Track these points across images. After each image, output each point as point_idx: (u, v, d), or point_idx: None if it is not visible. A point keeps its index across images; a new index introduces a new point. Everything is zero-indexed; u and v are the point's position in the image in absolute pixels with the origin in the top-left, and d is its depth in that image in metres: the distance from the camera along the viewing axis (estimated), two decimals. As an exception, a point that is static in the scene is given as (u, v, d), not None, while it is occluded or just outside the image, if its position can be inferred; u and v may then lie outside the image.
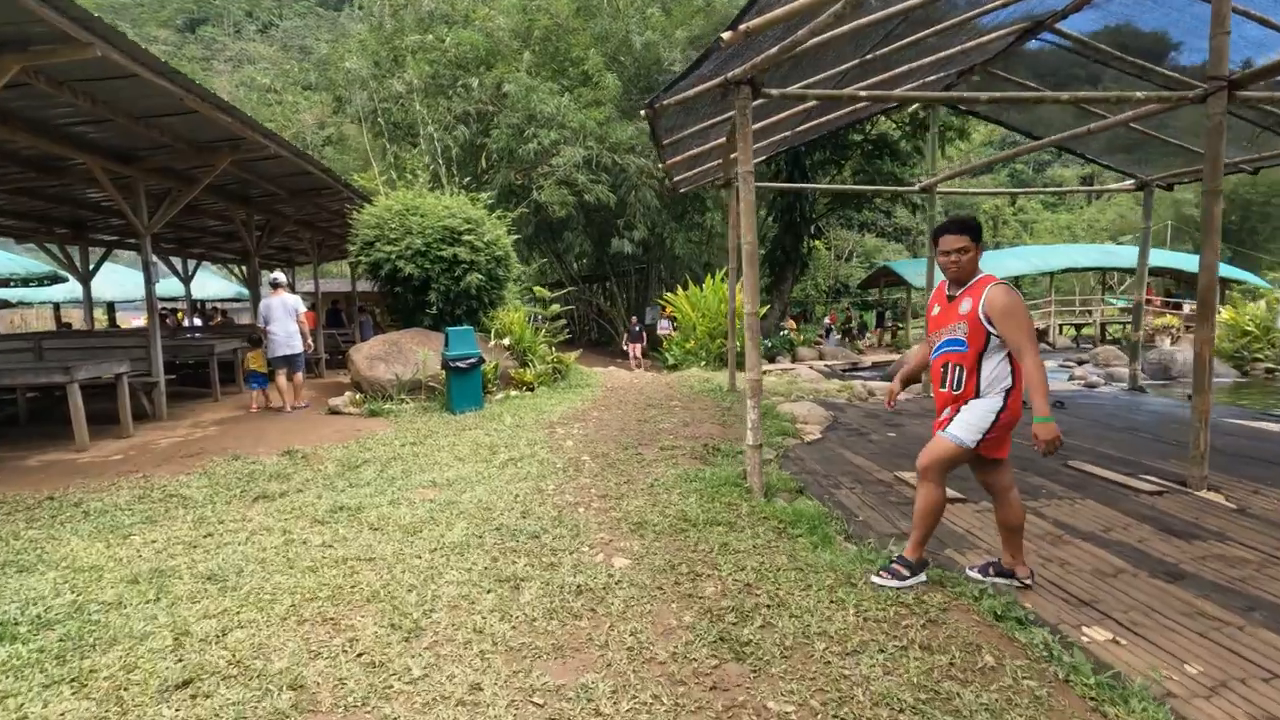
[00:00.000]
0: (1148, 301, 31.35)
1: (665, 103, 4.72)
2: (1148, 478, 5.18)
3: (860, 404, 9.34)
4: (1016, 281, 30.69)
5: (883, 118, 24.44)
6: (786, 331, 21.03)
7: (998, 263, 28.25)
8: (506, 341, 9.74)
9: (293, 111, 27.81)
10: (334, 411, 8.40)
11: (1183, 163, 9.66)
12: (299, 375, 9.45)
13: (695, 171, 8.16)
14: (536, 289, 10.34)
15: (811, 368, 17.30)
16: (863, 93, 4.96)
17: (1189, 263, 30.43)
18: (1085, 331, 31.36)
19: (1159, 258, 31.06)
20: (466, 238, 9.71)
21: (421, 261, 9.45)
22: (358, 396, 8.65)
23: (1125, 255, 30.72)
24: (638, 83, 18.95)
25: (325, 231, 14.88)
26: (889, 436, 7.04)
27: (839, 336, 24.76)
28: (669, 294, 14.44)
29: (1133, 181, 9.74)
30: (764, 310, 15.09)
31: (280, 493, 4.83)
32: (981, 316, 2.93)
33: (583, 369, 10.72)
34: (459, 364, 7.92)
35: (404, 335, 9.54)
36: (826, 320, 26.50)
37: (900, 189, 9.33)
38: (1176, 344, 21.89)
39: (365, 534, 3.90)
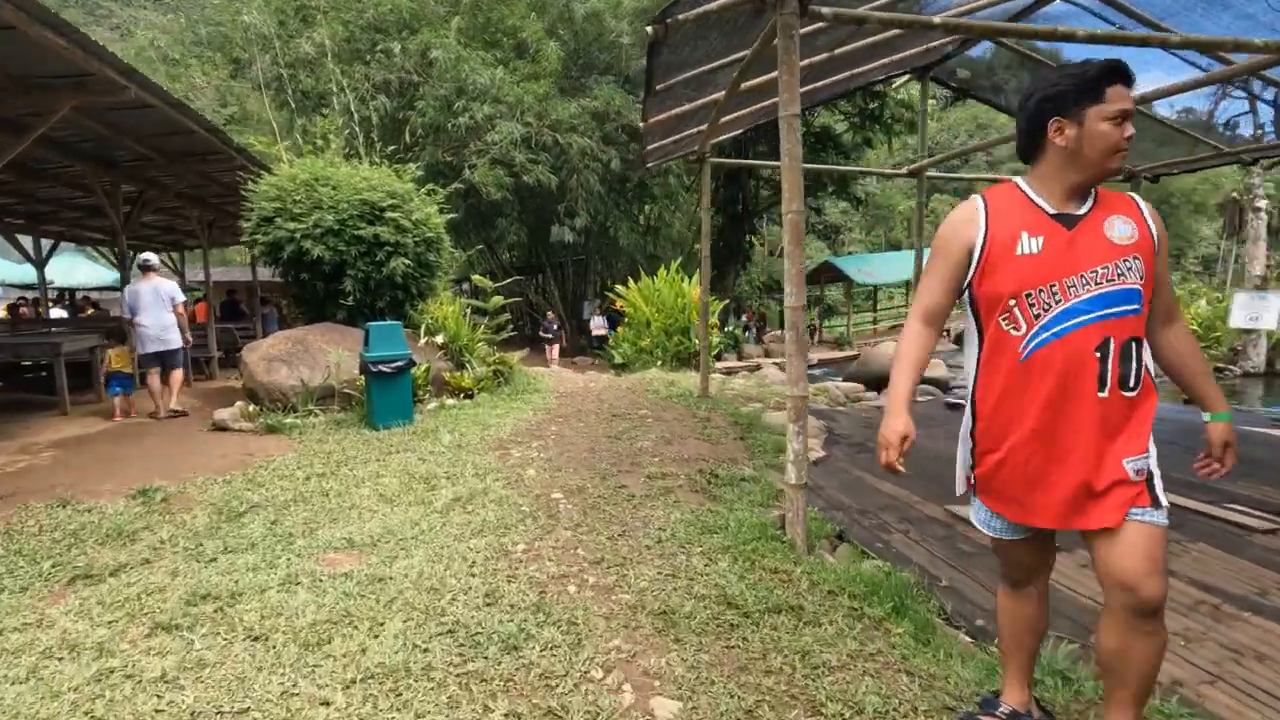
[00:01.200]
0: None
1: (681, 17, 3.47)
2: (1237, 507, 4.34)
3: (844, 410, 8.37)
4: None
5: (823, 110, 23.98)
6: (731, 328, 20.19)
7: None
8: (440, 340, 8.22)
9: (189, 88, 24.62)
10: (219, 427, 6.68)
11: (1171, 153, 9.21)
12: (177, 373, 7.79)
13: (674, 139, 6.93)
14: (476, 278, 8.85)
15: (761, 366, 16.44)
16: (939, 19, 3.87)
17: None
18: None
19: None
20: (390, 215, 8.11)
21: (334, 242, 7.80)
22: (251, 408, 6.95)
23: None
24: (577, 59, 17.54)
25: (217, 210, 12.73)
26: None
27: (752, 333, 24.28)
28: (620, 287, 13.17)
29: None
30: (719, 305, 14.04)
31: (114, 567, 3.27)
32: (1156, 243, 1.75)
33: (528, 371, 9.31)
34: (383, 368, 6.39)
35: (312, 331, 7.86)
36: (744, 317, 25.91)
37: (889, 172, 8.52)
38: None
39: (238, 651, 2.47)
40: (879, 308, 30.46)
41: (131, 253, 16.78)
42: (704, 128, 6.54)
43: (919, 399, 8.75)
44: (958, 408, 8.26)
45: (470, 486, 4.49)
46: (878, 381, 12.21)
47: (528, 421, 6.78)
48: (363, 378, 7.02)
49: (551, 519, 3.88)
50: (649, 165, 8.58)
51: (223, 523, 3.91)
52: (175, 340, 7.68)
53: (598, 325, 17.77)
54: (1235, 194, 52.38)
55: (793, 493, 3.47)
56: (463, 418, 6.88)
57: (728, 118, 6.60)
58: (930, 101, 20.86)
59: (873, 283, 25.32)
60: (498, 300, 8.57)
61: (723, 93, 5.34)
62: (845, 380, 13.16)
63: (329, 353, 7.44)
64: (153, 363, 7.58)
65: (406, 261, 8.18)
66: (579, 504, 4.17)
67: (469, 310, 8.86)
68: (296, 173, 8.16)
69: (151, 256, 8.12)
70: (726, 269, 23.44)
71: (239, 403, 7.31)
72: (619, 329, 14.79)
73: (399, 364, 6.49)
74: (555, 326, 17.32)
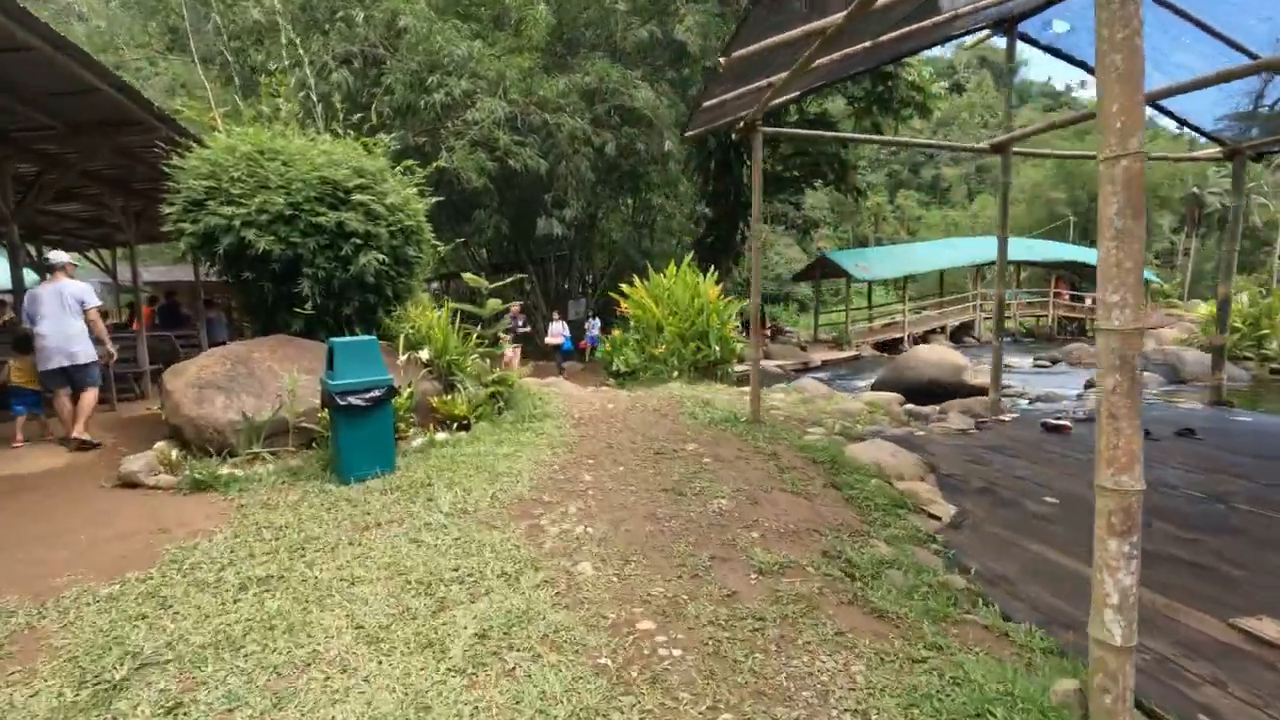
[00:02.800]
0: (1056, 295, 32.05)
1: None
2: None
3: (923, 434, 6.92)
4: (942, 275, 30.24)
5: (814, 98, 22.65)
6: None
7: (933, 254, 27.53)
8: (425, 355, 6.52)
9: (118, 63, 22.11)
10: (127, 483, 4.91)
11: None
12: (88, 394, 6.19)
13: (737, 95, 5.32)
14: (468, 276, 7.15)
15: (782, 369, 15.04)
16: None
17: (1090, 256, 31.17)
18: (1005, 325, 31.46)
19: (1060, 251, 31.69)
20: (359, 198, 6.38)
21: (285, 232, 6.04)
22: (175, 453, 5.18)
23: (1041, 249, 31.03)
24: (562, 34, 15.85)
25: (145, 197, 10.74)
26: (1051, 504, 4.60)
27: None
28: (625, 285, 11.54)
29: (1220, 150, 7.92)
30: (737, 304, 12.48)
31: None
32: None
33: (530, 388, 7.65)
34: (354, 399, 4.70)
35: (258, 348, 6.11)
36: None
37: (970, 146, 7.17)
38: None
39: None
40: (871, 304, 29.35)
41: (48, 249, 14.62)
42: (780, 77, 4.96)
43: (1002, 417, 7.35)
44: (1059, 430, 6.86)
45: (500, 604, 2.87)
46: (918, 390, 10.86)
47: (549, 465, 5.15)
48: (326, 411, 5.32)
49: (659, 688, 2.29)
50: (692, 132, 6.97)
51: (77, 715, 2.22)
52: (84, 353, 6.12)
53: (555, 332, 15.07)
54: (1196, 189, 53.08)
55: (1113, 659, 1.95)
56: (461, 461, 5.22)
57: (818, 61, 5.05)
58: (939, 85, 19.71)
59: (870, 278, 24.15)
60: (494, 305, 6.90)
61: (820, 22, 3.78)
62: (876, 389, 11.78)
63: (281, 376, 5.71)
64: (58, 381, 6.08)
65: (380, 256, 6.46)
66: (687, 645, 2.59)
67: (457, 316, 7.17)
68: (236, 144, 6.37)
69: (61, 255, 6.48)
70: (719, 264, 21.96)
71: (159, 444, 5.53)
72: (613, 333, 13.15)
73: (376, 393, 4.80)
74: (521, 325, 15.34)
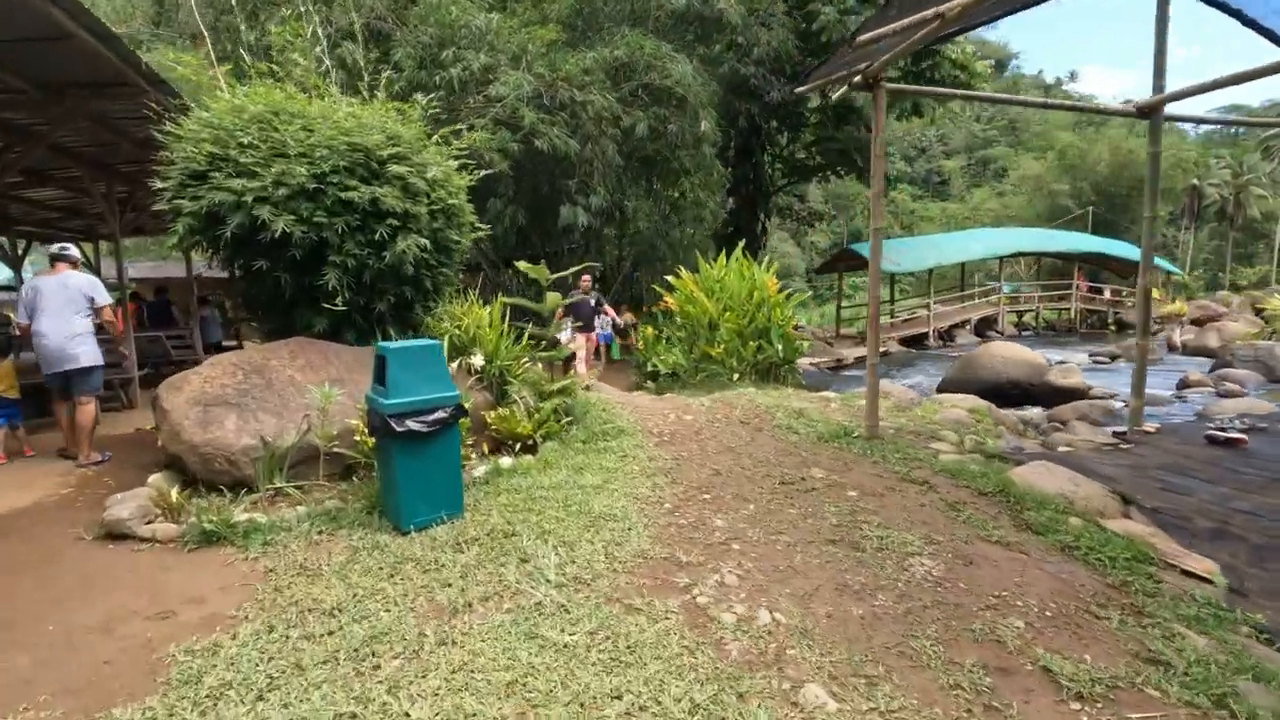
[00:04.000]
0: (1076, 286, 31.15)
1: None
2: None
3: (1071, 448, 5.84)
4: (964, 267, 29.28)
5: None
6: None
7: (960, 245, 26.54)
8: (478, 361, 5.37)
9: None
10: (115, 534, 3.75)
11: None
12: (89, 408, 5.37)
13: (907, 24, 4.18)
14: (523, 265, 5.98)
15: (816, 366, 14.02)
16: None
17: (1115, 248, 30.29)
18: (1025, 319, 30.52)
19: (1083, 242, 30.76)
20: (397, 169, 5.22)
21: (309, 210, 4.87)
22: (175, 491, 4.01)
23: (1062, 239, 30.14)
24: (580, 10, 14.66)
25: (132, 181, 9.52)
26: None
27: None
28: (671, 277, 10.39)
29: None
30: (800, 297, 11.33)
31: None
32: None
33: (588, 397, 6.49)
34: (414, 423, 3.56)
35: (275, 354, 4.95)
36: None
37: (1110, 110, 6.12)
38: (1187, 332, 20.34)
39: None
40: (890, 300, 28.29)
41: (24, 242, 13.32)
42: (952, 5, 3.84)
43: (1145, 428, 6.29)
44: (1232, 444, 5.61)
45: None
46: (995, 392, 9.81)
47: (657, 502, 4.04)
48: (366, 434, 4.19)
49: None
50: (803, 88, 5.85)
51: None
52: (87, 356, 5.36)
53: (601, 325, 13.93)
54: (1196, 180, 52.49)
55: None
56: (541, 497, 4.10)
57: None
58: (984, 64, 18.62)
59: (899, 270, 23.12)
60: (555, 300, 5.74)
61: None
62: (944, 390, 10.73)
63: (306, 389, 4.56)
64: (58, 388, 5.41)
65: (421, 241, 5.30)
66: None
67: (507, 312, 6.02)
68: (244, 104, 5.19)
69: (70, 248, 5.73)
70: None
71: (154, 479, 4.37)
72: (643, 330, 11.99)
73: (441, 415, 3.66)
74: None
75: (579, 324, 9.82)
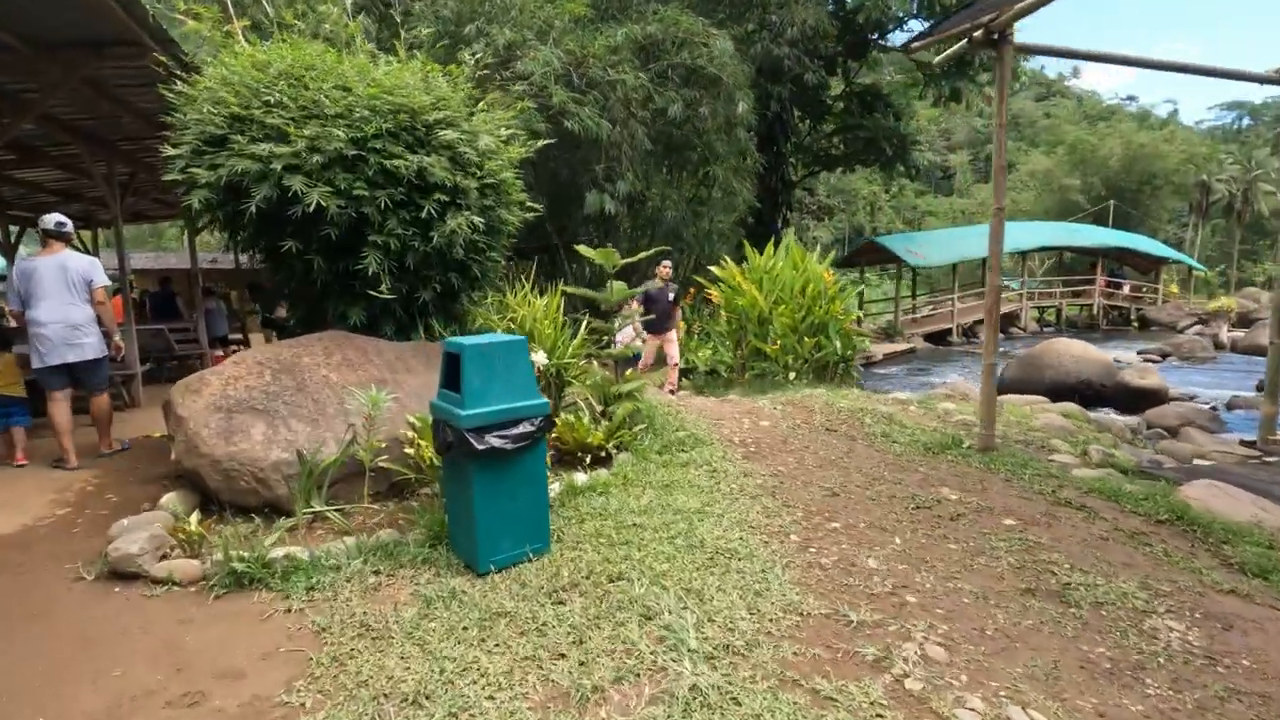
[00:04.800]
0: (1099, 282, 30.43)
1: None
2: None
3: (1214, 461, 5.15)
4: (984, 261, 28.52)
5: (863, 70, 20.77)
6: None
7: (983, 240, 25.81)
8: (540, 359, 4.62)
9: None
10: (121, 573, 3.03)
11: None
12: (103, 400, 5.03)
13: None
14: (583, 249, 5.22)
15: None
16: None
17: (1139, 243, 29.62)
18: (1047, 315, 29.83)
19: (1109, 237, 30.05)
20: (446, 135, 4.50)
21: (347, 181, 4.14)
22: (193, 519, 3.28)
23: (1086, 234, 29.44)
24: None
25: (134, 160, 8.78)
26: None
27: None
28: (715, 268, 9.66)
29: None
30: (855, 290, 10.56)
31: None
32: None
33: (652, 401, 5.76)
34: (499, 438, 2.84)
35: (308, 349, 4.23)
36: None
37: (1252, 75, 5.44)
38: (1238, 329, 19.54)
39: None
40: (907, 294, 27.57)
41: (16, 228, 12.54)
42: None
43: (1275, 438, 5.58)
44: None
45: None
46: (1064, 392, 9.11)
47: (779, 533, 3.33)
48: (421, 446, 3.48)
49: None
50: (918, 44, 5.12)
51: None
52: (94, 346, 4.89)
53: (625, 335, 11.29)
54: (1204, 176, 51.79)
55: None
56: (634, 524, 3.39)
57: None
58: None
59: (924, 264, 22.41)
60: (620, 290, 5.02)
61: None
62: (1007, 390, 10.00)
63: (350, 393, 3.85)
64: (57, 381, 4.80)
65: (474, 220, 4.58)
66: None
67: (561, 303, 5.29)
68: (270, 58, 4.45)
69: (61, 220, 5.00)
70: (758, 249, 20.15)
71: (167, 499, 3.65)
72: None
73: (528, 428, 2.95)
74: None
75: (650, 321, 7.40)
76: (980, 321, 25.29)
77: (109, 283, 5.04)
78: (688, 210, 14.85)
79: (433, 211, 4.42)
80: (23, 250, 14.17)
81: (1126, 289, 31.28)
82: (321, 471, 3.56)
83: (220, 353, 11.42)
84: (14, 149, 7.66)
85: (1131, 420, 7.37)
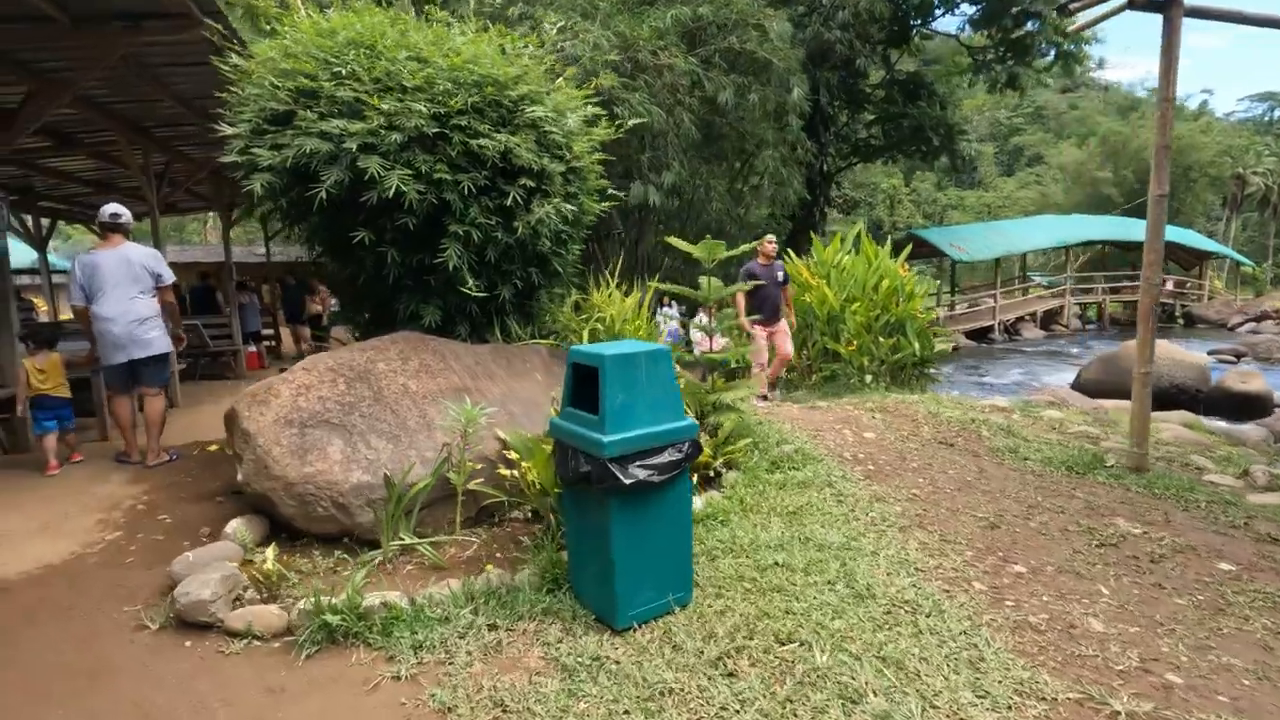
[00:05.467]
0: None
1: None
2: None
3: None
4: (1023, 257, 27.63)
5: (901, 55, 20.01)
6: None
7: (1026, 233, 25.01)
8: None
9: None
10: (189, 622, 2.56)
11: None
12: (156, 402, 4.66)
13: None
14: (672, 240, 4.68)
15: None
16: None
17: (1189, 238, 28.62)
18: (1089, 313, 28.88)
19: (1142, 231, 29.01)
20: (534, 113, 3.99)
21: (428, 164, 3.65)
22: (268, 556, 2.81)
23: (1132, 227, 28.46)
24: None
25: (169, 150, 8.38)
26: None
27: None
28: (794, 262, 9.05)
29: None
30: (931, 286, 9.87)
31: None
32: None
33: (749, 411, 5.23)
34: (645, 468, 2.34)
35: (381, 353, 3.74)
36: None
37: None
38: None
39: None
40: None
41: (48, 221, 12.23)
42: None
43: None
44: None
45: None
46: (1153, 395, 8.44)
47: (950, 576, 2.81)
48: (524, 469, 3.00)
49: None
50: (1075, 7, 4.53)
51: None
52: (160, 343, 4.65)
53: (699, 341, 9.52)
54: (1240, 170, 50.24)
55: None
56: (777, 564, 2.88)
57: None
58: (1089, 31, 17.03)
59: (967, 259, 21.66)
60: (717, 287, 4.47)
61: None
62: (1082, 391, 9.37)
63: (441, 406, 3.37)
64: (122, 380, 4.62)
65: (564, 208, 4.08)
66: None
67: (658, 304, 4.79)
68: (336, 26, 3.97)
69: (120, 210, 4.78)
70: (796, 244, 19.49)
71: (233, 527, 3.18)
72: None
73: (675, 456, 2.44)
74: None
75: (755, 308, 6.30)
76: (1022, 319, 24.49)
77: (174, 276, 4.76)
78: (731, 202, 14.29)
79: (518, 198, 3.91)
80: (53, 243, 13.89)
81: (1169, 285, 30.27)
82: (412, 498, 3.08)
83: (253, 348, 11.06)
84: (48, 135, 7.28)
85: (1256, 431, 6.74)
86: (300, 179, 3.71)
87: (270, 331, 12.84)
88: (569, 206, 4.15)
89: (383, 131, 3.54)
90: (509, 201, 3.90)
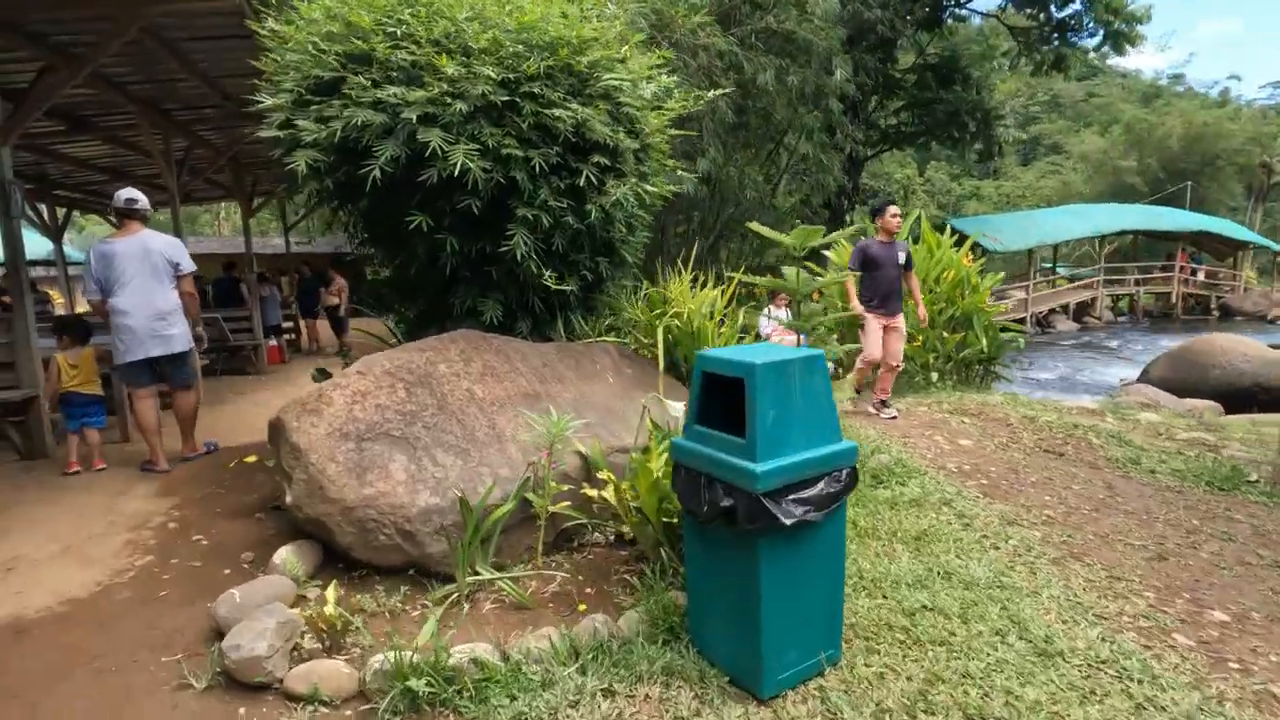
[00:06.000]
0: (1179, 268, 28.60)
1: None
2: None
3: None
4: (1055, 248, 26.86)
5: (936, 36, 19.29)
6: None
7: (1060, 222, 24.25)
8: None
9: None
10: (240, 682, 2.13)
11: None
12: (187, 398, 4.47)
13: None
14: (755, 226, 4.18)
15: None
16: None
17: (1225, 227, 27.76)
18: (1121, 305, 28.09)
19: (1193, 221, 28.17)
20: (610, 80, 3.52)
21: (495, 137, 3.19)
22: (329, 601, 2.37)
23: (1168, 217, 27.64)
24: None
25: (189, 135, 7.96)
26: None
27: None
28: (829, 253, 8.56)
29: None
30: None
31: None
32: None
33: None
34: (802, 502, 1.88)
35: (441, 354, 3.29)
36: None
37: None
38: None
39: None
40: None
41: (63, 211, 11.88)
42: None
43: None
44: None
45: None
46: (1232, 396, 7.93)
47: (1144, 627, 2.35)
48: (621, 491, 2.55)
49: None
50: None
51: None
52: (182, 338, 4.37)
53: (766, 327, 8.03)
54: (1268, 157, 48.99)
55: None
56: (920, 604, 2.45)
57: None
58: (1143, 9, 16.23)
59: (1002, 249, 20.99)
60: (803, 279, 3.96)
61: None
62: (1152, 386, 8.82)
63: (511, 415, 2.93)
64: (142, 378, 4.31)
65: (644, 189, 3.62)
66: None
67: (737, 296, 4.33)
68: (383, -17, 3.51)
69: (135, 195, 4.38)
70: (829, 233, 18.86)
71: (283, 557, 2.75)
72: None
73: (838, 489, 1.98)
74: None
75: (870, 294, 5.19)
76: (1054, 311, 23.79)
77: (195, 267, 4.38)
78: (766, 189, 13.76)
79: (592, 178, 3.45)
80: (66, 235, 13.53)
81: (1201, 275, 29.44)
82: (492, 524, 2.64)
83: (274, 342, 10.68)
84: (63, 119, 6.88)
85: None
86: (349, 156, 3.26)
87: (290, 325, 12.47)
88: (648, 188, 3.69)
89: (446, 100, 3.08)
90: (581, 181, 3.43)
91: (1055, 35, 14.72)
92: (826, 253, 8.21)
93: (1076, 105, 72.99)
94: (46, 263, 14.08)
